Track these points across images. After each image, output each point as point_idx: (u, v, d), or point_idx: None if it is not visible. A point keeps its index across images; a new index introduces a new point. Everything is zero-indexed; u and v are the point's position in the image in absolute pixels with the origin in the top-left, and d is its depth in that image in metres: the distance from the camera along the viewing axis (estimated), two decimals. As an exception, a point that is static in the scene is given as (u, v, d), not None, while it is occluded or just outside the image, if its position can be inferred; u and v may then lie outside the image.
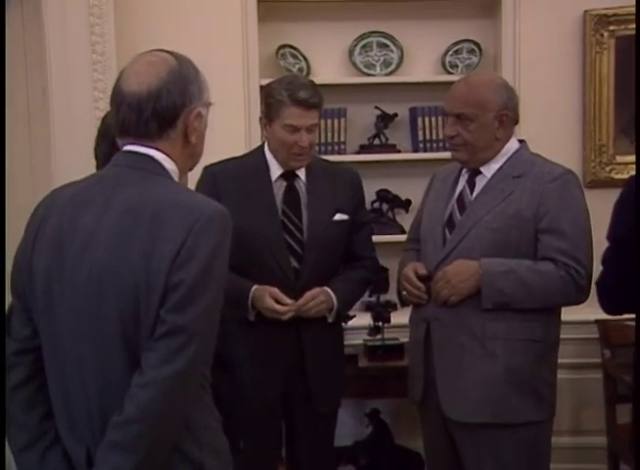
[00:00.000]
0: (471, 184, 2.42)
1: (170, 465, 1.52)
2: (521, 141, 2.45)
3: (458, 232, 2.37)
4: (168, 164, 1.58)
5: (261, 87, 3.19)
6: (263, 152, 2.55)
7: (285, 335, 2.48)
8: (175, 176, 1.60)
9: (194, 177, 2.36)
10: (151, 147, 1.57)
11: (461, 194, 2.43)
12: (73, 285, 1.52)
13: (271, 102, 2.45)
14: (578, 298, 2.34)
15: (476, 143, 2.35)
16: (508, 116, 2.35)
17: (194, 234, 1.47)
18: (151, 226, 1.48)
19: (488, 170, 2.39)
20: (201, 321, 1.47)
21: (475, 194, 2.40)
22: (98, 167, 2.06)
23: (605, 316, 2.36)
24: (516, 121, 2.42)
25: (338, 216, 2.53)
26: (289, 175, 2.53)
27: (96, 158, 2.15)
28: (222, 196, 2.40)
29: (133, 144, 1.58)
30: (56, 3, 3.14)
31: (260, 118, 2.55)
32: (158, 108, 1.54)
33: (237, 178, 2.51)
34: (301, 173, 2.54)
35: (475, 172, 2.42)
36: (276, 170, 2.52)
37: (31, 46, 3.29)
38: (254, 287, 2.45)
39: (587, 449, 2.63)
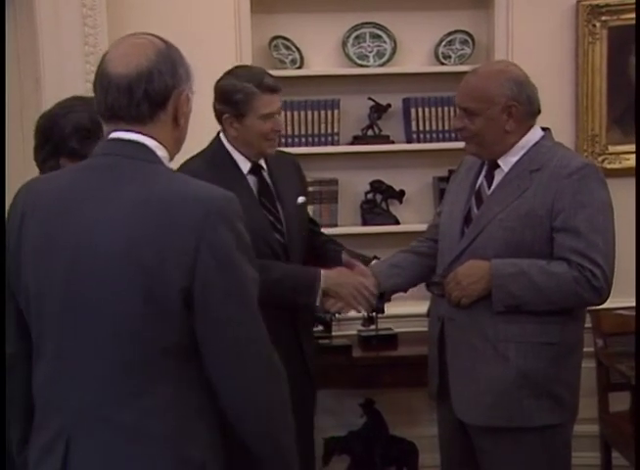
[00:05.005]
0: (489, 178, 2.35)
1: (172, 465, 1.49)
2: (544, 129, 2.36)
3: (473, 229, 2.31)
4: (161, 152, 1.54)
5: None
6: (225, 148, 2.48)
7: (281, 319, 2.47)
8: (167, 163, 1.56)
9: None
10: (141, 133, 1.52)
11: (479, 188, 2.36)
12: (70, 284, 1.47)
13: (239, 98, 2.39)
14: (593, 300, 2.24)
15: (484, 136, 2.28)
16: (517, 108, 2.26)
17: (209, 228, 1.44)
18: (161, 222, 1.43)
19: (506, 164, 2.30)
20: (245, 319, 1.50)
21: (492, 189, 2.32)
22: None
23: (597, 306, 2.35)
24: (534, 112, 2.32)
25: (300, 199, 2.60)
26: (256, 168, 2.51)
27: (39, 164, 2.06)
28: None
29: (122, 131, 1.53)
30: (48, -5, 3.14)
31: (222, 119, 2.45)
32: (149, 89, 1.50)
33: (212, 178, 2.49)
34: (263, 164, 2.54)
35: (494, 166, 2.34)
36: (244, 165, 2.49)
37: (24, 37, 3.29)
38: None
39: (579, 438, 2.63)
